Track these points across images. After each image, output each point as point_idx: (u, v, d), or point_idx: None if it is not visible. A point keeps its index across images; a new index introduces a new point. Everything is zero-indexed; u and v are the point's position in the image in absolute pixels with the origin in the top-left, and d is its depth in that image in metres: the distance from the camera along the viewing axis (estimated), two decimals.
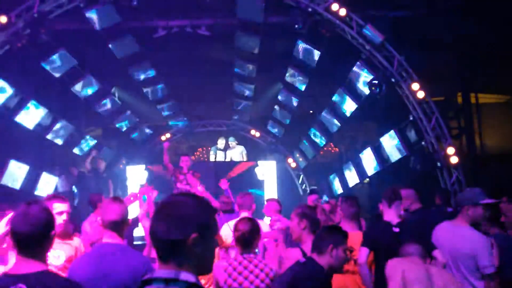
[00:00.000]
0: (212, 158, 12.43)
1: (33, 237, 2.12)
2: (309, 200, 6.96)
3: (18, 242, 2.13)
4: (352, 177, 10.84)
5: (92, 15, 7.88)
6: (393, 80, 8.17)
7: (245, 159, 12.09)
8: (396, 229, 3.94)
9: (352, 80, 9.00)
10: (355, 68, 8.65)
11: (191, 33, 8.42)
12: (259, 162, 12.04)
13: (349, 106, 9.56)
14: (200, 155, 14.43)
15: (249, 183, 11.21)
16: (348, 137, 12.86)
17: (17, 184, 9.35)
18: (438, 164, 8.20)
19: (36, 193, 9.85)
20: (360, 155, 10.33)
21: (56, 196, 3.61)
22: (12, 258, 2.88)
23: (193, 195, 1.55)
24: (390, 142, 9.05)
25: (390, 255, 3.38)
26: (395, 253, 3.35)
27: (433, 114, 8.19)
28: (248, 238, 3.41)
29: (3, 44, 7.64)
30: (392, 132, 8.85)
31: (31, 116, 9.30)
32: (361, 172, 10.40)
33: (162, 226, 1.45)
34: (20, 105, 8.94)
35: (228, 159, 12.14)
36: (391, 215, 4.07)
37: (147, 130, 12.81)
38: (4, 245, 2.76)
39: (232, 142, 12.10)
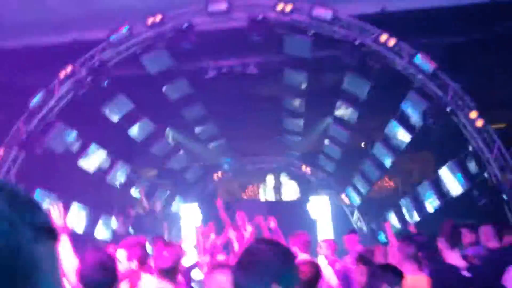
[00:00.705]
0: (262, 196, 12.37)
1: (106, 284, 2.18)
2: (347, 240, 6.49)
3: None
4: (410, 214, 10.32)
5: (148, 60, 8.34)
6: (448, 109, 7.87)
7: (298, 195, 11.93)
8: (467, 274, 3.39)
9: (404, 111, 8.77)
10: (407, 99, 8.44)
11: (240, 72, 8.65)
12: (311, 198, 11.82)
13: (402, 138, 9.27)
14: (251, 193, 14.42)
15: (301, 223, 10.93)
16: (403, 170, 12.38)
17: (80, 229, 9.68)
18: (505, 197, 7.63)
19: (95, 235, 10.18)
20: (418, 188, 9.87)
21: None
22: None
23: (275, 242, 1.55)
24: (449, 175, 8.62)
25: None
26: None
27: (495, 143, 7.72)
28: (312, 282, 3.27)
29: (69, 92, 8.20)
30: (450, 163, 8.43)
31: (92, 159, 9.78)
32: (419, 207, 9.89)
33: (243, 275, 1.46)
34: (82, 149, 9.46)
35: (282, 196, 12.03)
36: (454, 257, 3.48)
37: (199, 169, 13.05)
38: None
39: (284, 177, 12.00)
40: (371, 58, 7.84)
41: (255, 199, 13.36)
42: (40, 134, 8.53)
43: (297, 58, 8.19)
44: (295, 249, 4.77)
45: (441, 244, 3.62)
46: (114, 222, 10.73)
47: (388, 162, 10.29)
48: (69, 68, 7.90)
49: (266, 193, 12.31)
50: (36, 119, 8.41)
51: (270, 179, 12.35)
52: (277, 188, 12.27)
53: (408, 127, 8.91)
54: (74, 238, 9.37)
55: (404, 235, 4.48)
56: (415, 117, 8.58)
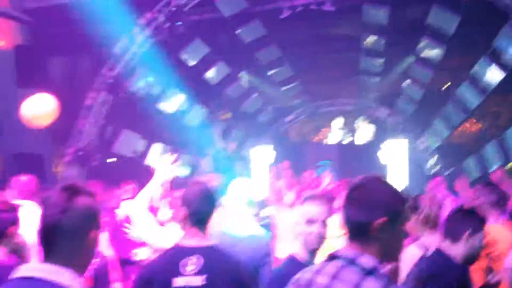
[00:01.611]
0: (332, 139, 12.24)
1: (209, 214, 2.36)
2: (431, 184, 6.40)
3: (195, 217, 2.32)
4: (493, 160, 9.67)
5: (221, 3, 8.28)
6: None
7: (372, 139, 11.68)
8: None
9: (498, 47, 7.98)
10: (501, 34, 7.65)
11: (316, 11, 8.30)
12: (386, 142, 11.49)
13: (493, 77, 8.52)
14: (323, 136, 14.35)
15: (370, 168, 10.76)
16: (491, 113, 11.52)
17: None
18: None
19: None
20: (505, 133, 9.16)
21: None
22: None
23: (385, 181, 1.56)
24: None
25: None
26: None
27: None
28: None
29: (149, 38, 8.48)
30: None
31: (172, 102, 10.23)
32: (505, 154, 9.22)
33: (353, 209, 1.50)
34: (162, 93, 9.92)
35: (356, 139, 11.84)
36: None
37: (272, 112, 13.12)
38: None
39: (360, 121, 11.68)
40: None
41: (325, 143, 13.24)
42: (124, 79, 9.03)
43: None
44: None
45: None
46: (195, 161, 11.36)
47: (473, 104, 9.59)
48: (148, 15, 8.10)
49: (337, 136, 12.12)
50: (120, 65, 8.87)
51: (340, 122, 12.09)
52: (351, 131, 12.04)
53: (501, 65, 8.14)
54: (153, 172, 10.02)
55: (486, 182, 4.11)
56: (510, 54, 7.79)
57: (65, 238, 1.40)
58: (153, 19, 8.23)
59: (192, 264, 2.18)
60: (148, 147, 10.20)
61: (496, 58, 8.19)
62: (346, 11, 8.41)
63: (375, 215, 1.45)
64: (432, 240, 2.89)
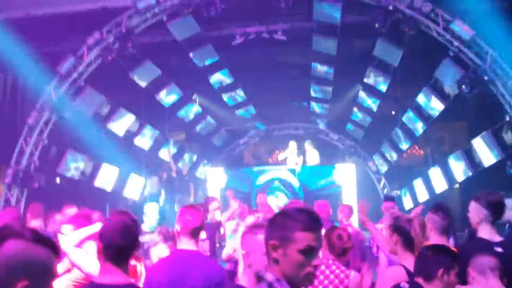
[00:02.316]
0: (288, 162, 12.37)
1: (127, 249, 2.19)
2: (384, 207, 6.66)
3: (110, 252, 2.17)
4: (439, 183, 10.14)
5: (174, 27, 8.25)
6: (486, 77, 7.50)
7: (320, 162, 11.90)
8: (499, 249, 3.10)
9: (438, 79, 8.42)
10: (441, 67, 8.08)
11: (268, 39, 8.46)
12: (337, 165, 11.75)
13: (435, 107, 8.97)
14: (277, 159, 14.48)
15: (326, 188, 11.01)
16: (435, 139, 12.08)
17: (109, 186, 10.10)
18: None
19: (124, 194, 10.58)
20: (448, 158, 9.63)
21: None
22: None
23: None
24: (483, 145, 8.32)
25: None
26: None
27: None
28: (345, 249, 3.33)
29: (96, 58, 8.27)
30: (485, 133, 8.13)
31: (121, 123, 9.98)
32: (449, 177, 9.69)
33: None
34: (111, 113, 9.66)
35: (306, 162, 12.00)
36: (488, 231, 3.21)
37: (226, 134, 13.14)
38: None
39: (308, 145, 11.90)
40: (405, 25, 7.47)
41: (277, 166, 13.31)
42: (70, 99, 8.72)
43: (326, 24, 7.90)
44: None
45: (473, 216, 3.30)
46: (147, 183, 11.09)
47: (418, 130, 10.04)
48: (96, 35, 7.93)
49: (290, 159, 12.27)
50: (66, 84, 8.57)
51: (293, 145, 12.27)
52: (301, 154, 12.22)
53: (442, 95, 8.59)
54: (104, 195, 9.77)
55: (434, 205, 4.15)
56: (449, 85, 8.24)
57: None
58: (101, 39, 8.04)
59: None
60: (96, 169, 9.86)
61: (437, 89, 8.63)
62: (297, 40, 8.61)
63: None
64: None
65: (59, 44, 8.50)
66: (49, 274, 1.27)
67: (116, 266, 2.16)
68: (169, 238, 4.50)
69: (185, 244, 2.86)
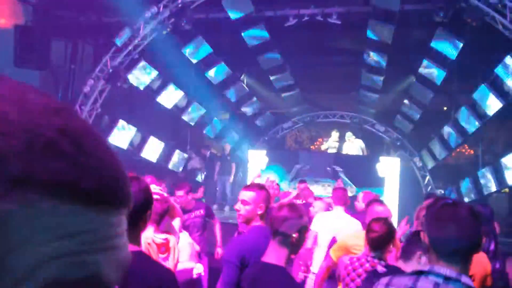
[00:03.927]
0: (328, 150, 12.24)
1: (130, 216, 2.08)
2: (425, 205, 6.41)
3: None
4: (488, 184, 9.69)
5: (228, 5, 8.27)
6: None
7: (365, 154, 11.67)
8: None
9: (499, 75, 7.98)
10: (503, 63, 7.64)
11: (322, 22, 8.29)
12: (381, 158, 11.48)
13: (492, 105, 8.52)
14: (319, 146, 14.36)
15: (368, 180, 10.79)
16: (488, 139, 11.51)
17: (154, 158, 10.44)
18: None
19: (169, 167, 10.92)
20: (502, 160, 9.17)
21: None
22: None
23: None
24: None
25: None
26: None
27: None
28: (383, 241, 3.29)
29: (152, 32, 8.47)
30: None
31: (170, 97, 10.23)
32: (500, 179, 9.24)
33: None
34: (162, 87, 9.92)
35: (346, 152, 11.84)
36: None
37: (270, 117, 13.13)
38: None
39: (349, 137, 11.70)
40: (468, 15, 7.09)
41: (323, 151, 13.23)
42: (124, 70, 9.02)
43: (383, 10, 7.65)
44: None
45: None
46: (185, 157, 11.38)
47: (471, 129, 9.60)
48: (153, 9, 8.10)
49: (332, 148, 12.12)
50: (121, 56, 8.86)
51: (334, 135, 12.10)
52: (342, 143, 12.02)
53: (501, 94, 8.15)
54: (149, 165, 10.08)
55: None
56: (510, 83, 7.79)
57: None
58: (158, 13, 8.21)
59: None
60: (144, 140, 10.21)
61: (496, 86, 8.19)
62: (352, 26, 8.40)
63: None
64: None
65: (117, 16, 8.75)
66: None
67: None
68: None
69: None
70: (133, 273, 1.81)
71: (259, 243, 2.76)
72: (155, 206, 2.90)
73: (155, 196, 3.03)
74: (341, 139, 11.99)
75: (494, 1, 6.97)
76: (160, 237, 2.95)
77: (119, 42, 8.54)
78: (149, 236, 2.86)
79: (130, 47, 8.78)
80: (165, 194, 3.22)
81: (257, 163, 11.88)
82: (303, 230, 2.35)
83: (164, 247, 2.95)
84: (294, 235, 2.30)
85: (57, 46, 9.27)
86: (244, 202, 2.99)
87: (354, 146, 11.70)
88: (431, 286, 1.66)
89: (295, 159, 11.69)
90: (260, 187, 3.13)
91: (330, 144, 12.17)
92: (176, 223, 3.36)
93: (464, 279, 1.65)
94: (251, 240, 2.88)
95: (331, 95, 12.18)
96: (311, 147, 14.52)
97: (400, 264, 2.67)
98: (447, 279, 1.65)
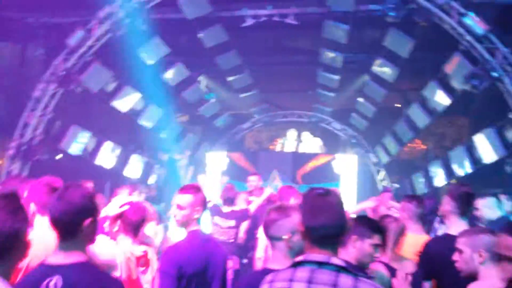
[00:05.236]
0: (279, 149, 12.45)
1: (67, 224, 1.87)
2: (383, 197, 6.64)
3: (55, 228, 1.89)
4: (438, 177, 10.20)
5: (185, 5, 8.17)
6: (494, 74, 7.51)
7: (322, 151, 11.94)
8: None
9: (446, 73, 8.42)
10: (451, 60, 8.07)
11: (279, 22, 8.40)
12: (338, 156, 11.79)
13: (441, 101, 8.98)
14: (281, 145, 14.51)
15: (325, 177, 11.06)
16: (437, 134, 12.12)
17: (109, 164, 10.09)
18: None
19: (124, 173, 10.59)
20: (449, 153, 9.68)
21: None
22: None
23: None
24: (485, 142, 8.36)
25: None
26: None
27: None
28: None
29: (107, 32, 8.22)
30: (488, 130, 8.17)
31: (126, 101, 9.94)
32: (449, 172, 9.74)
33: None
34: (117, 90, 9.61)
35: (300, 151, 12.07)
36: (459, 226, 3.12)
37: (229, 118, 13.11)
38: (115, 228, 2.84)
39: (307, 134, 11.93)
40: (418, 15, 7.44)
41: (281, 151, 13.38)
42: (77, 72, 8.68)
43: (338, 11, 7.86)
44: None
45: (446, 209, 3.40)
46: (146, 163, 11.10)
47: (422, 124, 10.06)
48: (107, 9, 7.87)
49: (290, 147, 12.32)
50: (74, 57, 8.52)
51: (290, 134, 12.32)
52: (299, 142, 12.26)
53: (449, 90, 8.60)
54: (103, 172, 9.76)
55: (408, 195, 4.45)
56: (457, 80, 8.24)
57: None
58: (112, 13, 7.98)
59: (51, 287, 1.81)
60: (98, 146, 9.85)
61: (444, 83, 8.63)
62: (308, 26, 8.57)
63: None
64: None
65: (69, 16, 8.42)
66: None
67: (64, 243, 1.89)
68: None
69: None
70: (78, 285, 1.79)
71: (194, 249, 2.74)
72: (127, 217, 2.87)
73: (125, 207, 2.92)
74: (299, 138, 12.21)
75: (441, 2, 7.35)
76: (139, 250, 2.86)
77: (71, 43, 8.21)
78: (127, 249, 2.78)
79: (83, 49, 8.46)
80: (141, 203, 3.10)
81: (216, 165, 11.83)
82: (295, 230, 2.22)
83: (143, 260, 2.86)
84: (285, 237, 2.25)
85: (4, 49, 8.79)
86: (179, 207, 2.80)
87: (312, 144, 11.95)
88: (307, 275, 1.74)
89: (256, 158, 11.77)
90: (197, 189, 2.89)
91: (285, 143, 12.36)
92: (149, 229, 3.27)
93: (334, 260, 1.76)
94: (187, 248, 2.75)
95: (289, 94, 12.36)
96: (270, 147, 14.65)
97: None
98: (320, 264, 1.75)
